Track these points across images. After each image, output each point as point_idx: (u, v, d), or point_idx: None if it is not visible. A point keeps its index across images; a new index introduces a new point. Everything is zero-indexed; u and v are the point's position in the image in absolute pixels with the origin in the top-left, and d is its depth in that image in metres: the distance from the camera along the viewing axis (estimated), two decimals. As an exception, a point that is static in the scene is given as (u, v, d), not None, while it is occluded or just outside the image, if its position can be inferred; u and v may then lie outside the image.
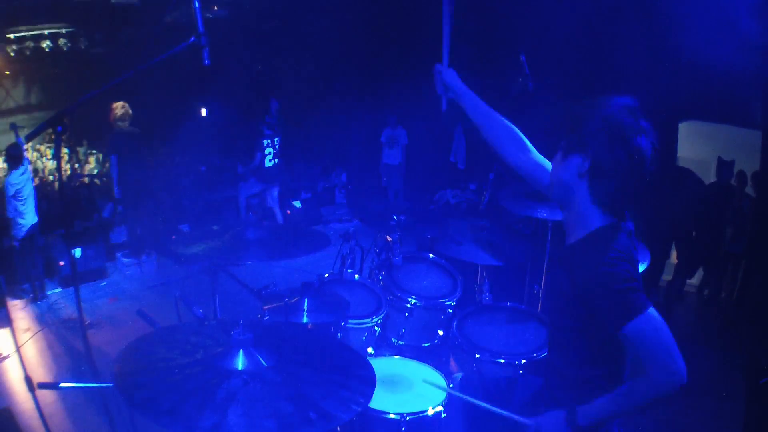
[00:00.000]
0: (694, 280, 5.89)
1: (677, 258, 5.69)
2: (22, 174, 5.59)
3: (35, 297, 5.76)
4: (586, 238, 1.64)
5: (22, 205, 5.62)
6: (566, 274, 1.65)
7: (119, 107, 6.38)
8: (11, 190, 5.53)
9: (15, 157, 5.61)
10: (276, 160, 7.69)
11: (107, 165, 8.16)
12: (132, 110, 6.49)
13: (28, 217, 5.69)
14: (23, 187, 5.59)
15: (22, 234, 5.68)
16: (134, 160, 6.53)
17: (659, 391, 1.51)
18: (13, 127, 5.74)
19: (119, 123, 6.40)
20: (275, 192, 7.99)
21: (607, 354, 1.64)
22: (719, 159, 5.52)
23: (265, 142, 7.55)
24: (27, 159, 5.76)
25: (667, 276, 5.67)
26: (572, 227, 1.70)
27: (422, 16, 7.38)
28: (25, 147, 5.90)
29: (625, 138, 1.55)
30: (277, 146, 7.66)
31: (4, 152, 5.83)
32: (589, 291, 1.56)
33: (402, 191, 9.50)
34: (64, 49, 9.98)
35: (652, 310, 1.51)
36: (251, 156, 7.68)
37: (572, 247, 1.68)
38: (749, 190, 5.56)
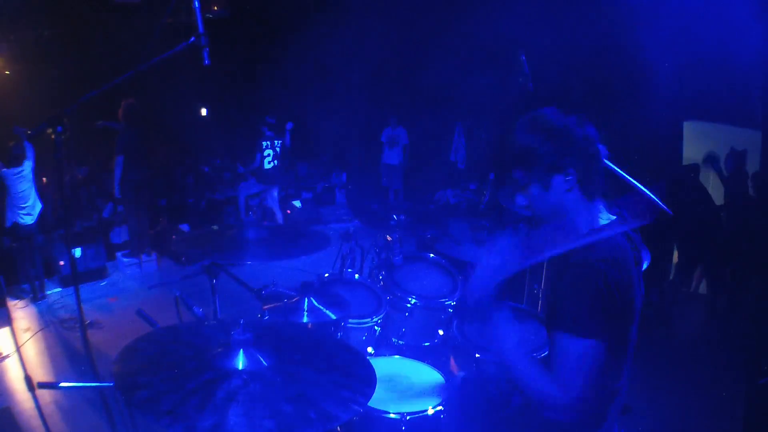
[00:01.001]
0: (693, 281, 5.89)
1: (678, 257, 5.69)
2: (16, 174, 5.58)
3: (35, 297, 5.76)
4: (584, 235, 1.64)
5: (14, 201, 5.60)
6: (557, 277, 1.66)
7: (128, 105, 6.37)
8: (10, 189, 5.53)
9: (16, 157, 5.61)
10: (276, 162, 7.68)
11: (110, 164, 8.17)
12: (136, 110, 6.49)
13: (20, 213, 5.67)
14: (16, 185, 5.58)
15: (8, 224, 5.68)
16: (138, 159, 6.54)
17: (547, 399, 1.51)
18: (18, 131, 5.72)
19: (127, 121, 6.40)
20: (275, 193, 7.99)
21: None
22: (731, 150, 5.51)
23: (265, 143, 7.55)
24: (32, 159, 5.74)
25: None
26: (568, 233, 1.69)
27: (422, 16, 7.40)
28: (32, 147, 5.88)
29: (579, 134, 1.60)
30: (277, 148, 7.66)
31: (6, 150, 5.80)
32: (561, 281, 1.57)
33: (402, 191, 9.51)
34: (64, 48, 9.97)
35: (595, 343, 1.48)
36: (251, 157, 7.68)
37: (565, 251, 1.68)
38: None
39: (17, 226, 5.72)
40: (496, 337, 1.65)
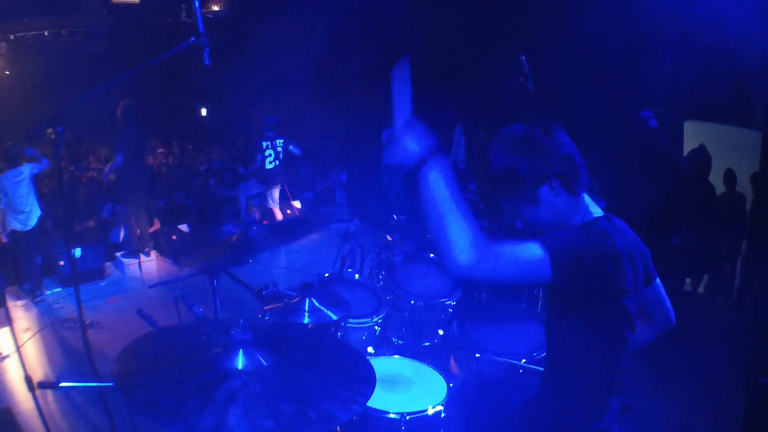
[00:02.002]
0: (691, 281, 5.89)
1: (677, 254, 5.67)
2: (16, 177, 5.56)
3: (35, 297, 5.76)
4: (582, 225, 1.66)
5: (12, 205, 5.59)
6: None
7: (125, 105, 6.38)
8: (2, 188, 5.52)
9: (13, 157, 5.60)
10: (277, 162, 7.68)
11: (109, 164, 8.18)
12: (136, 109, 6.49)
13: (21, 218, 5.66)
14: (15, 187, 5.56)
15: (8, 231, 5.67)
16: (136, 159, 6.54)
17: (458, 251, 1.37)
18: (24, 151, 5.74)
19: (125, 121, 6.41)
20: (276, 193, 7.99)
21: (594, 356, 1.63)
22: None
23: (266, 144, 7.54)
24: (30, 166, 5.71)
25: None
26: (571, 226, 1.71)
27: (422, 17, 7.39)
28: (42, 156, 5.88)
29: (557, 144, 1.61)
30: (278, 148, 7.65)
31: (3, 152, 5.80)
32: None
33: (402, 191, 9.50)
34: (64, 48, 9.98)
35: (546, 263, 1.43)
36: (252, 157, 7.68)
37: None
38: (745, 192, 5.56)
39: (15, 233, 5.71)
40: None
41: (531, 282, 1.49)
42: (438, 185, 1.46)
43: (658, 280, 1.86)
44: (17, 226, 5.68)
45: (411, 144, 1.53)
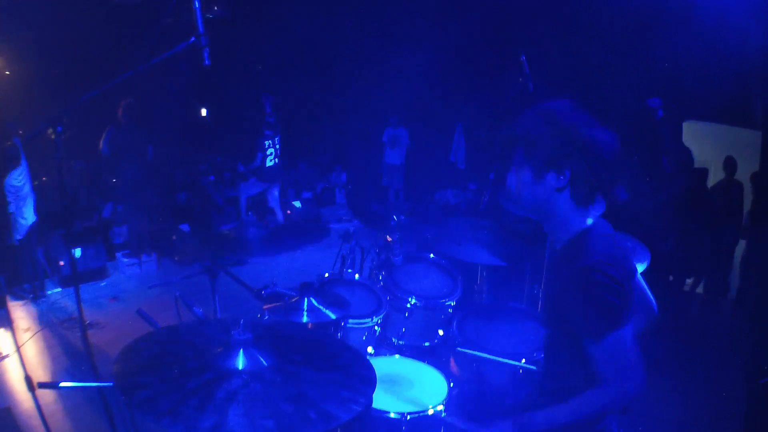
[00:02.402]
0: (691, 279, 5.89)
1: (677, 254, 5.67)
2: (21, 174, 5.60)
3: (35, 297, 5.75)
4: (572, 241, 1.65)
5: (22, 204, 5.62)
6: (555, 278, 1.69)
7: (127, 105, 6.37)
8: (10, 190, 5.54)
9: (13, 158, 5.61)
10: (277, 160, 7.68)
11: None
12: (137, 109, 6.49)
13: (28, 216, 5.69)
14: (21, 187, 5.60)
15: (22, 233, 5.69)
16: (137, 159, 6.52)
17: (608, 406, 1.57)
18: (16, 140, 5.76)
19: (127, 120, 6.39)
20: (276, 192, 7.98)
21: (583, 362, 1.62)
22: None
23: (267, 142, 7.54)
24: (24, 158, 5.76)
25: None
26: (556, 233, 1.70)
27: (422, 17, 7.39)
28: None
29: (589, 137, 1.58)
30: (277, 146, 7.65)
31: (2, 153, 5.81)
32: (569, 292, 1.58)
33: (403, 191, 9.51)
34: (64, 48, 9.96)
35: (625, 331, 1.53)
36: (252, 156, 7.68)
37: (559, 252, 1.69)
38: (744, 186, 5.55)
39: (28, 230, 5.76)
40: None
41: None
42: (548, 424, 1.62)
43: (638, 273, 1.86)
44: (27, 222, 5.71)
45: None
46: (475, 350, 2.67)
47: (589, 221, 1.65)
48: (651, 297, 1.91)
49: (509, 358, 2.61)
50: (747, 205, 5.60)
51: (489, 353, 2.65)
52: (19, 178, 5.58)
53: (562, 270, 1.63)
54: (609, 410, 1.59)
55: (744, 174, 5.58)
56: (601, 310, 1.52)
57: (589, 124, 1.60)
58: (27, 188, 5.67)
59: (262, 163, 7.57)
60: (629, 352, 1.55)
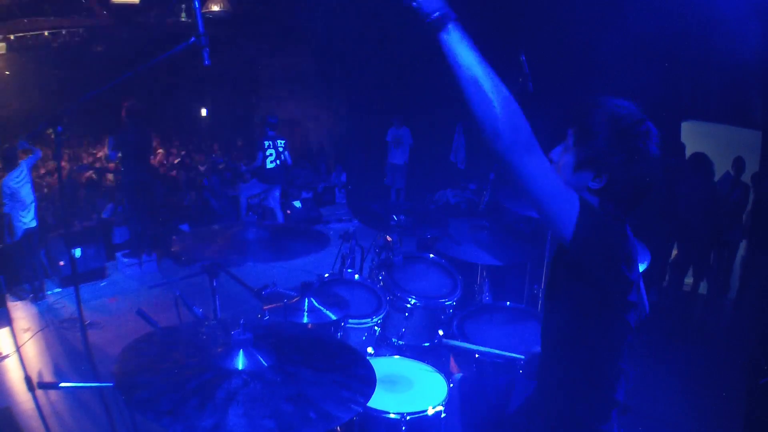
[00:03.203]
0: (691, 279, 5.89)
1: (677, 254, 5.68)
2: (19, 176, 5.58)
3: (35, 297, 5.75)
4: None
5: (19, 206, 5.60)
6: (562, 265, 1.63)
7: (130, 105, 6.37)
8: (6, 191, 5.53)
9: (9, 159, 5.61)
10: (278, 161, 7.67)
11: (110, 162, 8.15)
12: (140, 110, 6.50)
13: (27, 218, 5.68)
14: (18, 189, 5.58)
15: (18, 236, 5.68)
16: (139, 160, 6.51)
17: (494, 114, 1.39)
18: (18, 145, 5.76)
19: (130, 121, 6.38)
20: (277, 193, 7.97)
21: (595, 355, 1.60)
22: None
23: (267, 143, 7.53)
24: (26, 161, 5.74)
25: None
26: None
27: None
28: (34, 147, 5.90)
29: (641, 154, 1.51)
30: (279, 147, 7.64)
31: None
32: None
33: (404, 190, 9.52)
34: (65, 48, 9.97)
35: (577, 208, 1.43)
36: (253, 156, 7.68)
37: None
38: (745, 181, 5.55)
39: (28, 232, 5.74)
40: None
41: (551, 212, 1.43)
42: (465, 47, 1.46)
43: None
44: (28, 225, 5.70)
45: None
46: (475, 352, 2.67)
47: None
48: (645, 299, 1.90)
49: (511, 359, 2.61)
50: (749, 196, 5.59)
51: (489, 353, 2.65)
52: (16, 180, 5.56)
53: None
54: (479, 117, 1.41)
55: (744, 174, 5.58)
56: (596, 212, 1.48)
57: (650, 140, 1.53)
58: (26, 191, 5.64)
59: (262, 164, 7.56)
60: (545, 167, 1.41)
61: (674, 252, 5.70)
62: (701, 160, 5.35)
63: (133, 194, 6.61)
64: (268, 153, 7.55)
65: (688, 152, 5.64)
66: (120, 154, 6.48)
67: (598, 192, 1.56)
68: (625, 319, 1.59)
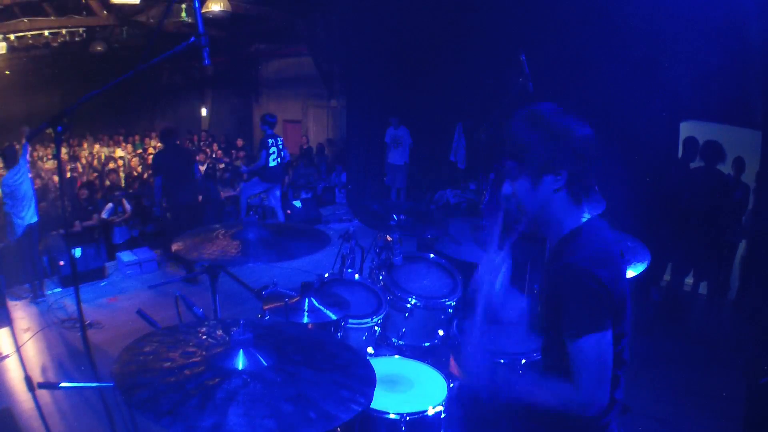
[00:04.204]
0: (691, 279, 5.89)
1: (677, 254, 5.67)
2: (17, 174, 5.57)
3: (35, 297, 5.75)
4: (563, 238, 1.66)
5: (19, 204, 5.60)
6: (545, 276, 1.70)
7: (164, 129, 6.33)
8: (6, 190, 5.53)
9: (9, 158, 5.61)
10: (279, 159, 7.66)
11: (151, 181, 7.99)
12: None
13: (26, 217, 5.67)
14: (18, 187, 5.57)
15: (18, 234, 5.67)
16: (181, 181, 6.29)
17: (571, 407, 1.56)
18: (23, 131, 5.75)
19: (165, 143, 6.29)
20: (277, 192, 7.96)
21: None
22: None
23: (270, 141, 7.52)
24: (26, 160, 5.74)
25: (666, 275, 5.68)
26: (552, 232, 1.71)
27: (421, 16, 7.39)
28: (29, 149, 5.90)
29: (578, 138, 1.58)
30: (280, 146, 7.63)
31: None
32: (555, 288, 1.60)
33: (404, 190, 9.52)
34: (65, 48, 9.96)
35: (605, 334, 1.52)
36: (255, 156, 7.66)
37: (552, 250, 1.71)
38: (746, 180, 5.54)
39: (28, 228, 5.72)
40: (503, 386, 1.71)
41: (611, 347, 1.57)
42: (519, 391, 1.69)
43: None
44: (28, 222, 5.68)
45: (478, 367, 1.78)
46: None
47: (584, 219, 1.65)
48: (629, 304, 1.90)
49: (510, 358, 2.61)
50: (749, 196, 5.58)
51: (489, 353, 2.64)
52: (15, 177, 5.56)
53: (551, 267, 1.65)
54: (570, 412, 1.56)
55: (743, 174, 5.57)
56: (581, 309, 1.52)
57: (575, 122, 1.60)
58: (25, 188, 5.63)
59: (265, 163, 7.55)
60: (606, 361, 1.53)
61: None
62: (715, 149, 5.33)
63: (182, 217, 6.34)
64: (271, 151, 7.54)
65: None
66: (165, 179, 6.23)
67: (562, 188, 1.61)
68: (621, 326, 1.62)
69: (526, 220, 1.72)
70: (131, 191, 8.65)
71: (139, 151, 12.14)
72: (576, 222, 1.65)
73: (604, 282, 1.51)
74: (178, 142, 6.55)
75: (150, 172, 7.96)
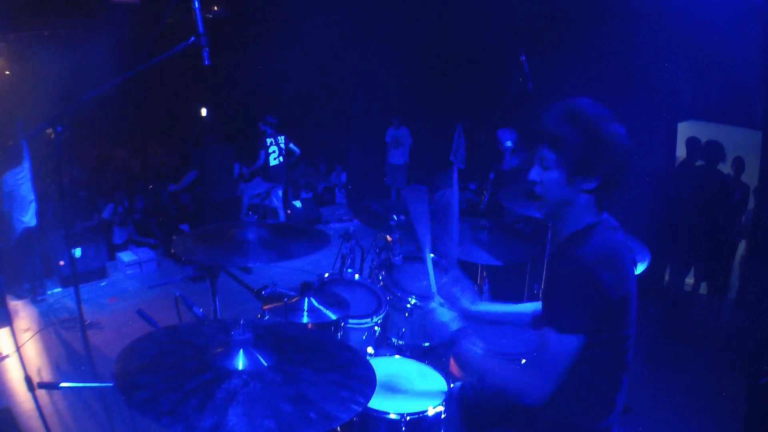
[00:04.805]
0: (691, 279, 5.89)
1: (677, 254, 5.67)
2: (19, 174, 5.52)
3: (35, 297, 5.75)
4: (577, 233, 1.65)
5: (17, 206, 5.57)
6: (550, 268, 1.74)
7: (202, 120, 6.20)
8: (5, 189, 5.50)
9: (15, 157, 5.54)
10: (281, 159, 7.62)
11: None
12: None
13: (26, 217, 5.66)
14: (18, 187, 5.52)
15: (16, 235, 5.64)
16: (219, 180, 6.19)
17: (526, 389, 1.59)
18: (18, 126, 5.66)
19: (203, 139, 6.19)
20: (280, 191, 7.93)
21: (588, 361, 1.62)
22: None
23: (269, 140, 7.49)
24: (28, 159, 5.71)
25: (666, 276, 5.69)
26: (565, 226, 1.71)
27: (421, 16, 7.39)
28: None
29: (621, 151, 1.58)
30: (281, 144, 7.60)
31: (4, 150, 5.77)
32: (555, 275, 1.62)
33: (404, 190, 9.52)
34: (65, 48, 9.96)
35: (576, 340, 1.53)
36: (255, 156, 7.62)
37: (561, 243, 1.71)
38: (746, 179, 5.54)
39: (27, 231, 5.66)
40: (469, 356, 1.75)
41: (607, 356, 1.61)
42: (477, 361, 1.73)
43: None
44: (27, 224, 5.64)
45: (446, 324, 1.84)
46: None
47: (594, 218, 1.66)
48: (635, 307, 1.90)
49: (511, 359, 2.61)
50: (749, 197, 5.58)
51: (489, 353, 2.64)
52: (16, 178, 5.52)
53: (558, 257, 1.66)
54: (520, 395, 1.60)
55: (743, 174, 5.57)
56: (573, 305, 1.53)
57: (619, 129, 1.59)
58: (25, 190, 5.57)
59: (266, 162, 7.51)
60: (571, 363, 1.55)
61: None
62: (716, 149, 5.33)
63: (213, 217, 6.17)
64: (270, 150, 7.49)
65: (685, 152, 5.65)
66: (201, 175, 6.12)
67: (593, 191, 1.61)
68: (627, 330, 1.62)
69: (546, 210, 1.70)
70: (151, 187, 8.62)
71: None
72: (593, 218, 1.65)
73: (604, 286, 1.50)
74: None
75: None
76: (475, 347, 1.73)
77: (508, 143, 5.54)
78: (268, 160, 7.49)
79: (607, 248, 1.57)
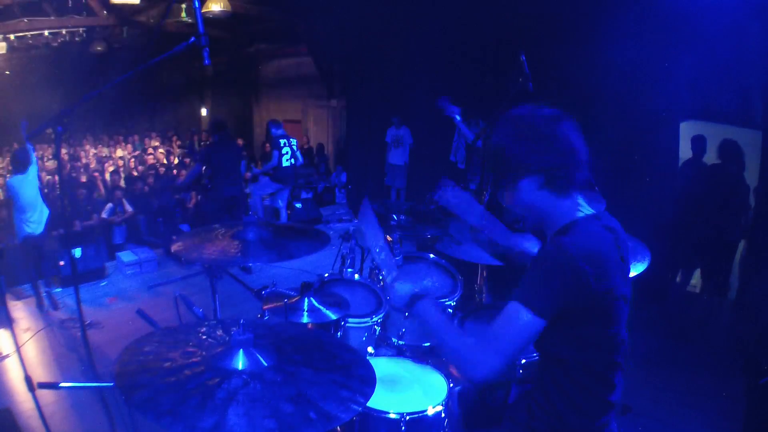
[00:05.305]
0: (692, 279, 5.89)
1: (677, 254, 5.67)
2: (22, 181, 5.43)
3: (35, 297, 5.74)
4: (558, 230, 1.65)
5: (19, 211, 5.49)
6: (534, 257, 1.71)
7: (214, 121, 6.22)
8: (6, 195, 5.46)
9: (20, 162, 5.46)
10: (293, 160, 7.61)
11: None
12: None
13: (32, 223, 5.55)
14: (17, 195, 5.43)
15: (20, 237, 5.60)
16: (229, 175, 6.19)
17: (467, 356, 1.54)
18: (23, 126, 5.60)
19: (213, 136, 6.18)
20: (287, 194, 7.92)
21: (592, 353, 1.62)
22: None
23: (283, 141, 7.48)
24: (36, 167, 5.58)
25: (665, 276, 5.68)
26: (547, 228, 1.71)
27: (421, 16, 7.38)
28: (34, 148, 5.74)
29: (550, 137, 1.56)
30: (293, 146, 7.59)
31: (11, 155, 5.73)
32: (537, 257, 1.62)
33: (404, 190, 9.52)
34: (65, 48, 9.96)
35: (540, 321, 1.50)
36: (268, 157, 7.61)
37: (547, 240, 1.72)
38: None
39: (27, 238, 5.58)
40: (426, 317, 1.70)
41: (536, 338, 1.55)
42: (430, 320, 1.67)
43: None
44: (30, 231, 5.56)
45: (401, 294, 1.75)
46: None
47: (580, 214, 1.64)
48: (626, 307, 1.89)
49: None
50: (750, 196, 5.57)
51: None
52: (19, 183, 5.41)
53: (542, 247, 1.70)
54: (461, 362, 1.56)
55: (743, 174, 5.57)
56: (542, 284, 1.51)
57: (543, 117, 1.59)
58: (27, 198, 5.45)
59: (278, 163, 7.49)
60: (521, 343, 1.51)
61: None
62: (733, 147, 5.32)
63: (222, 213, 6.16)
64: (284, 151, 7.48)
65: (689, 152, 5.65)
66: (213, 173, 6.13)
67: (545, 185, 1.60)
68: (615, 329, 1.61)
69: (528, 224, 1.74)
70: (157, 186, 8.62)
71: (138, 152, 12.14)
72: (571, 216, 1.63)
73: (581, 273, 1.48)
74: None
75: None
76: (433, 308, 1.69)
77: None
78: (281, 160, 7.47)
79: (589, 241, 1.55)
